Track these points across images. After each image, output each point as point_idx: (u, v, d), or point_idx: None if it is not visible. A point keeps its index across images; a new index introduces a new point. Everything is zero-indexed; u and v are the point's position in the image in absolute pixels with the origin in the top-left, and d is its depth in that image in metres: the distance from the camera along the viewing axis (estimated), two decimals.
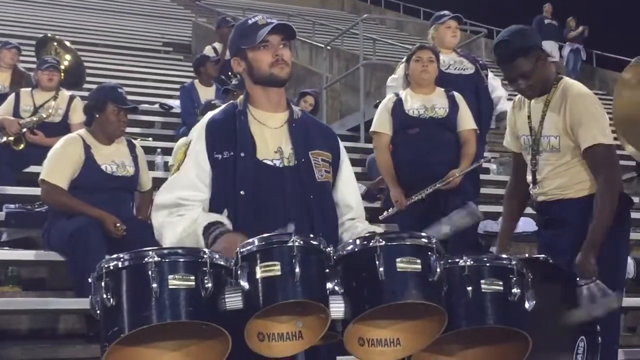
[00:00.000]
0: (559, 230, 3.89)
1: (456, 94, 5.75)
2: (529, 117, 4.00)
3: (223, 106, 3.16)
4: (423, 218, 5.40)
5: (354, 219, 3.10)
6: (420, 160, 5.56)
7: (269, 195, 2.90)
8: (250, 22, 3.03)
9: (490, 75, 6.62)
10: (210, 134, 2.97)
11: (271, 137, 2.99)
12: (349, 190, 3.13)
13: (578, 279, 3.39)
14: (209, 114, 3.10)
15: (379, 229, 3.06)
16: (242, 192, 2.90)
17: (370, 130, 5.95)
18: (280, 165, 2.96)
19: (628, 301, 6.06)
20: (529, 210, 4.30)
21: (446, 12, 6.59)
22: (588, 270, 3.63)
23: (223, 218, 2.83)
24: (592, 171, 3.83)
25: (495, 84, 6.62)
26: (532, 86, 3.89)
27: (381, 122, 5.80)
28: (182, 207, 2.90)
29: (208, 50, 10.24)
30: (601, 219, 3.72)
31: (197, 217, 2.85)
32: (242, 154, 2.93)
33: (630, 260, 6.54)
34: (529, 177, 4.01)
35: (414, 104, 5.70)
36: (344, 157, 3.17)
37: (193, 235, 2.80)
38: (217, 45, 10.39)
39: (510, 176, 4.34)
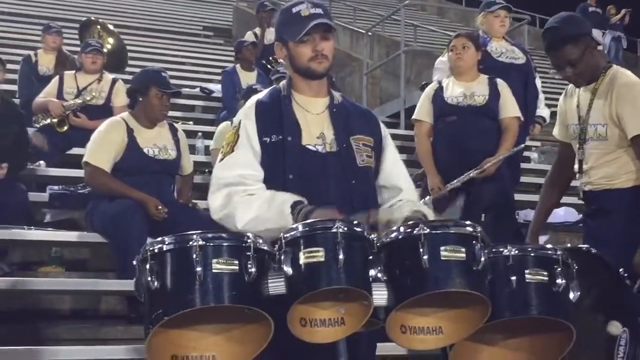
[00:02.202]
0: (604, 220, 3.85)
1: (499, 81, 5.67)
2: (577, 105, 3.96)
3: (268, 89, 3.16)
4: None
5: (402, 201, 3.06)
6: (458, 148, 5.53)
7: (314, 181, 2.90)
8: (294, 10, 3.01)
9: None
10: (260, 116, 2.97)
11: (313, 123, 3.00)
12: (395, 173, 3.11)
13: (621, 270, 3.34)
14: (255, 97, 3.10)
15: (427, 209, 3.03)
16: (290, 176, 2.90)
17: (412, 118, 5.94)
18: (323, 151, 2.96)
19: None
20: (571, 200, 4.27)
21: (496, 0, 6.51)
22: None
23: (298, 197, 2.79)
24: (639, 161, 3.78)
25: (537, 83, 6.53)
26: (579, 74, 3.85)
27: (422, 110, 5.80)
28: (246, 186, 2.87)
29: (249, 36, 10.25)
30: None
31: (274, 195, 2.82)
32: (289, 139, 2.93)
33: None
34: (576, 166, 3.97)
35: (454, 91, 5.67)
36: (388, 141, 3.15)
37: (275, 213, 2.74)
38: (258, 30, 10.41)
39: (553, 165, 4.30)
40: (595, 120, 3.87)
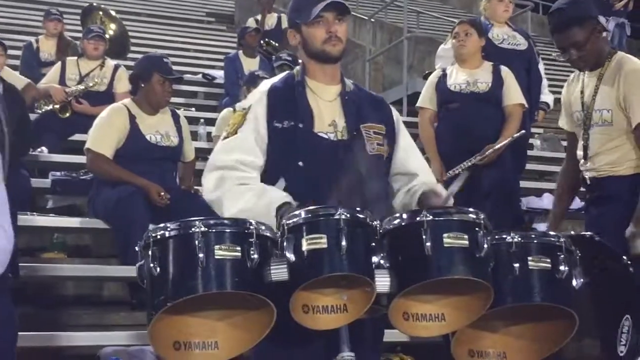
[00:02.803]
0: (607, 207, 3.84)
1: (503, 68, 5.66)
2: (581, 92, 3.94)
3: (282, 75, 3.11)
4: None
5: (417, 185, 3.04)
6: (460, 134, 5.53)
7: (324, 168, 2.87)
8: None
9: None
10: (272, 101, 2.95)
11: (326, 110, 2.98)
12: (411, 159, 3.10)
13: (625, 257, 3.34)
14: (269, 81, 3.07)
15: (439, 186, 3.04)
16: (300, 163, 2.88)
17: (416, 105, 5.94)
18: (335, 139, 2.94)
19: None
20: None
21: None
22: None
23: (290, 197, 2.77)
24: None
25: (540, 69, 6.50)
26: (583, 57, 3.82)
27: (425, 97, 5.80)
28: (241, 172, 2.85)
29: (251, 22, 10.27)
30: None
31: (265, 191, 2.80)
32: (301, 125, 2.91)
33: None
34: (580, 152, 3.95)
35: (457, 78, 5.66)
36: (401, 127, 3.14)
37: (262, 210, 2.70)
38: (260, 17, 10.42)
39: (565, 157, 4.27)
40: (600, 106, 3.85)
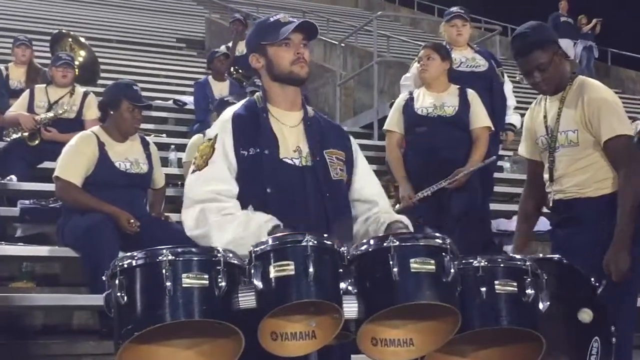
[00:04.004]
0: (574, 230, 3.86)
1: (469, 92, 5.69)
2: (544, 116, 3.99)
3: (243, 101, 3.13)
4: (429, 215, 5.42)
5: (378, 213, 3.07)
6: (429, 158, 5.56)
7: (292, 194, 2.90)
8: (272, 19, 3.04)
9: (506, 79, 6.55)
10: (237, 128, 2.95)
11: (290, 136, 2.99)
12: (368, 186, 3.12)
13: (593, 279, 3.36)
14: (231, 109, 3.07)
15: (404, 218, 3.05)
16: (268, 190, 2.88)
17: (383, 128, 5.96)
18: (300, 165, 2.96)
19: None
20: (543, 209, 4.27)
21: (453, 9, 6.53)
22: (621, 267, 3.61)
23: (276, 219, 2.78)
24: (613, 165, 3.79)
25: (506, 90, 6.53)
26: (547, 79, 3.87)
27: (392, 120, 5.84)
28: (220, 202, 2.84)
29: (222, 49, 10.29)
30: (624, 213, 3.68)
31: (250, 218, 2.80)
32: (267, 152, 2.92)
33: None
34: (546, 176, 3.98)
35: (424, 102, 5.69)
36: (359, 154, 3.17)
37: (253, 237, 2.67)
38: (231, 43, 10.50)
39: (525, 184, 4.30)
40: (565, 127, 3.89)
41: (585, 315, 3.20)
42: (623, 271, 3.61)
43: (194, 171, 2.96)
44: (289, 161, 2.95)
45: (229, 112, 3.05)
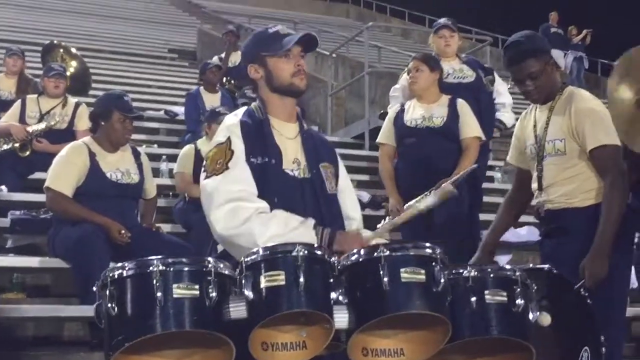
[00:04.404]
0: (562, 239, 3.87)
1: (459, 102, 5.69)
2: (534, 125, 4.01)
3: (241, 110, 3.09)
4: (416, 228, 5.42)
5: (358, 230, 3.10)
6: (418, 169, 5.56)
7: (293, 205, 2.89)
8: (271, 30, 3.04)
9: (498, 80, 6.55)
10: (246, 136, 2.93)
11: (289, 147, 3.00)
12: (348, 202, 3.14)
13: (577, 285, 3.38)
14: (234, 115, 3.05)
15: (379, 240, 3.06)
16: (275, 200, 2.87)
17: (376, 141, 5.98)
18: (299, 176, 2.97)
19: (632, 311, 6.04)
20: (533, 219, 4.29)
21: (441, 20, 6.54)
22: (596, 274, 3.62)
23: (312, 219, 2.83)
24: (599, 173, 3.81)
25: (501, 90, 6.55)
26: (539, 88, 3.90)
27: (384, 133, 5.86)
28: (253, 203, 2.81)
29: (215, 61, 10.33)
30: (608, 221, 3.69)
31: (288, 215, 2.81)
32: (273, 162, 2.92)
33: (632, 271, 6.51)
34: (534, 185, 4.00)
35: (414, 114, 5.70)
36: (342, 169, 3.19)
37: (296, 233, 2.72)
38: (224, 54, 10.53)
39: (511, 189, 4.33)
40: (553, 136, 3.92)
41: (544, 318, 3.21)
42: (598, 277, 3.61)
43: (209, 176, 2.88)
44: (290, 172, 2.96)
45: (234, 118, 3.01)
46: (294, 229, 2.76)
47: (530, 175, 4.07)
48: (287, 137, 3.02)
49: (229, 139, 2.92)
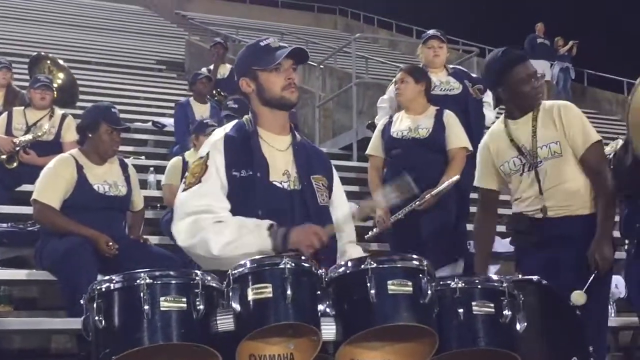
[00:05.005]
0: (565, 248, 3.89)
1: (446, 113, 5.68)
2: (511, 140, 4.05)
3: (232, 123, 3.13)
4: (403, 238, 5.43)
5: (347, 243, 3.12)
6: None
7: (280, 217, 2.90)
8: (262, 43, 3.06)
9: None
10: (228, 149, 2.96)
11: (279, 160, 3.01)
12: (341, 215, 3.14)
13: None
14: (221, 130, 3.08)
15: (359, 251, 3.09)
16: (260, 212, 2.89)
17: (366, 152, 6.00)
18: (289, 188, 2.98)
19: (620, 321, 6.07)
20: None
21: (430, 31, 6.56)
22: (608, 257, 3.76)
23: (268, 220, 2.82)
24: (595, 167, 3.93)
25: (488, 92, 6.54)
26: (540, 88, 4.07)
27: (373, 144, 5.88)
28: (213, 214, 2.86)
29: (205, 72, 10.32)
30: (609, 206, 3.87)
31: (245, 220, 2.83)
32: (259, 175, 2.94)
33: (621, 280, 6.53)
34: (531, 191, 4.00)
35: (401, 125, 5.71)
36: (337, 181, 3.19)
37: (252, 236, 2.75)
38: (213, 66, 10.54)
39: (478, 214, 4.35)
40: (545, 141, 3.97)
41: (579, 297, 3.27)
42: (610, 260, 3.75)
43: (184, 189, 2.96)
44: (279, 184, 2.97)
45: (220, 132, 3.06)
46: (248, 234, 2.78)
47: (496, 196, 4.21)
48: (278, 149, 3.03)
49: (208, 154, 2.97)
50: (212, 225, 2.82)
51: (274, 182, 2.96)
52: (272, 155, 3.00)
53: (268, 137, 3.03)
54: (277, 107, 3.02)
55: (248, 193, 2.92)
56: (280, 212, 2.91)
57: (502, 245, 6.71)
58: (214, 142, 3.00)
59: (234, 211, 2.91)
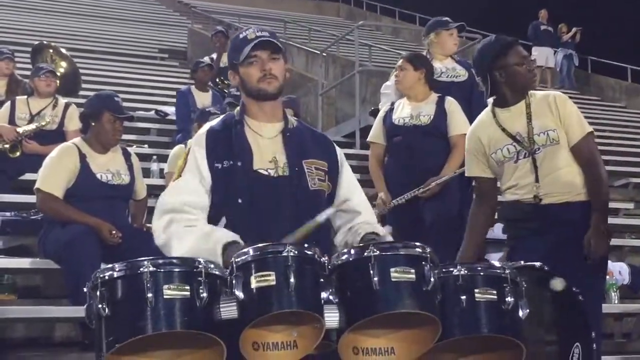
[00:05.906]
0: (565, 233, 3.89)
1: (447, 100, 5.68)
2: (503, 129, 4.05)
3: (222, 116, 3.18)
4: (404, 223, 5.44)
5: (360, 223, 3.08)
6: (405, 167, 5.59)
7: (264, 205, 2.92)
8: (241, 36, 3.08)
9: None
10: (211, 142, 3.00)
11: (266, 147, 3.02)
12: (353, 196, 3.12)
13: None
14: (209, 123, 3.12)
15: (382, 229, 3.06)
16: (239, 201, 2.92)
17: (367, 139, 6.00)
18: (275, 175, 2.98)
19: (622, 307, 6.08)
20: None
21: (449, 19, 6.55)
22: (604, 246, 3.81)
23: (237, 237, 2.80)
24: (589, 156, 3.97)
25: None
26: (533, 70, 4.19)
27: (374, 132, 5.88)
28: (188, 214, 2.90)
29: (207, 60, 10.34)
30: (603, 195, 3.94)
31: (212, 232, 2.84)
32: (240, 163, 2.95)
33: (625, 267, 6.55)
34: (528, 179, 4.00)
35: (402, 112, 5.71)
36: (344, 165, 3.17)
37: (207, 251, 2.72)
38: (215, 56, 10.57)
39: (474, 203, 4.32)
40: (542, 128, 3.98)
41: (558, 283, 3.26)
42: (605, 249, 3.83)
43: (173, 182, 3.04)
44: (264, 172, 2.97)
45: (206, 127, 3.10)
46: (205, 249, 2.75)
47: (491, 183, 4.19)
48: (265, 136, 3.04)
49: (189, 149, 3.02)
50: (180, 230, 2.86)
51: (259, 170, 2.97)
52: (258, 143, 3.02)
53: (255, 126, 3.05)
54: (257, 98, 3.04)
55: (230, 183, 2.94)
56: (263, 199, 2.93)
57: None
58: (198, 137, 3.05)
59: (219, 202, 2.94)
